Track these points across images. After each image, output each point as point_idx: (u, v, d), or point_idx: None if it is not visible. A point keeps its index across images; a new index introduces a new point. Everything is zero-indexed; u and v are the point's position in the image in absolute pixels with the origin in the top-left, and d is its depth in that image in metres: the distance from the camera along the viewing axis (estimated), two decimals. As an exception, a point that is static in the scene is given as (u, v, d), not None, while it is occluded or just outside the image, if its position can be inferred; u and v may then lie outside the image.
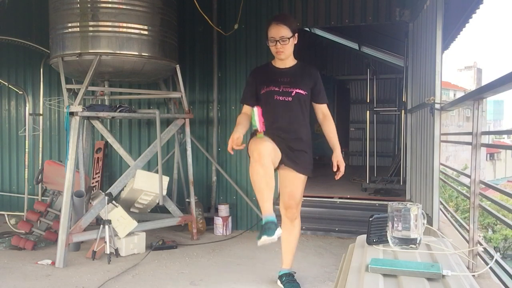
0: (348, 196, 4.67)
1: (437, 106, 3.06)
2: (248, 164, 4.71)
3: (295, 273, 3.00)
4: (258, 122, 2.55)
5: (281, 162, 2.81)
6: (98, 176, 5.03)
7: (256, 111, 2.56)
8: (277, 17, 2.82)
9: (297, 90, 2.77)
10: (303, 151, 2.82)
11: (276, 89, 2.77)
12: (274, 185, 2.58)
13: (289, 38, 2.73)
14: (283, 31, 2.72)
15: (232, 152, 2.57)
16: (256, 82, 2.87)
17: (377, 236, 1.66)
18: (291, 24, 2.75)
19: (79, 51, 3.69)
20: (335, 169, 2.80)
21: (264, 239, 2.41)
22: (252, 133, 2.74)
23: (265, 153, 2.53)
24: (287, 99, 2.76)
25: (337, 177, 2.81)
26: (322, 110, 2.90)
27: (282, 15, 2.85)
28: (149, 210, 4.31)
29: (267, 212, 2.51)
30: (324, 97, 2.90)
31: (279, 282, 2.99)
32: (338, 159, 2.81)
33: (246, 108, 2.89)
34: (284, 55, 2.78)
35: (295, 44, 2.81)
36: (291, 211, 2.90)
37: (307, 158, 2.84)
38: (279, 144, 2.74)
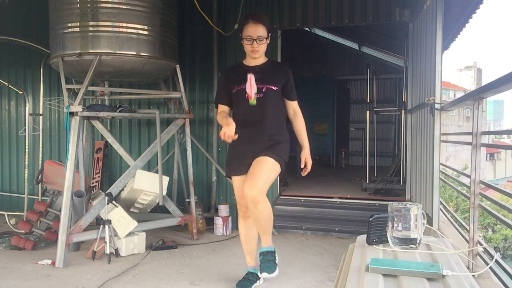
0: (348, 196, 4.67)
1: (437, 106, 3.06)
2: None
3: (274, 251, 2.88)
4: (250, 89, 2.67)
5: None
6: (98, 176, 5.03)
7: (249, 78, 2.67)
8: (255, 16, 2.81)
9: (268, 86, 2.79)
10: (277, 143, 2.82)
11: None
12: (256, 239, 2.99)
13: (265, 38, 2.76)
14: (260, 30, 2.74)
15: (229, 141, 2.66)
16: (227, 82, 2.89)
17: (377, 236, 1.66)
18: (267, 24, 2.79)
19: (79, 51, 3.69)
20: (302, 165, 2.84)
21: None
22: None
23: (246, 212, 2.87)
24: (258, 95, 2.77)
25: (304, 173, 2.86)
26: (293, 107, 2.94)
27: (259, 15, 2.85)
28: (149, 210, 4.31)
29: (249, 263, 3.03)
30: (295, 94, 2.93)
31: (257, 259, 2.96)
32: (306, 156, 2.86)
33: (222, 108, 2.93)
34: (259, 54, 2.81)
35: (268, 44, 2.83)
36: (248, 194, 2.65)
37: (282, 148, 2.83)
38: (252, 146, 2.78)
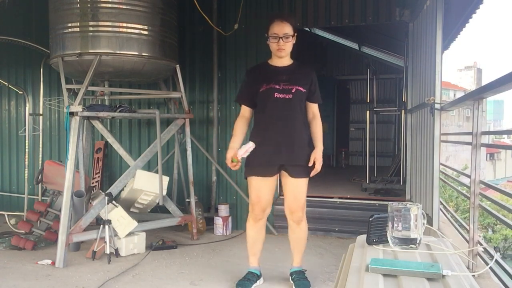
0: (348, 196, 4.67)
1: (437, 106, 3.06)
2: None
3: (306, 270, 3.02)
4: (241, 153, 2.71)
5: (281, 169, 2.85)
6: (98, 176, 5.03)
7: (248, 145, 2.71)
8: (281, 14, 2.86)
9: (297, 87, 2.77)
10: (303, 151, 2.81)
11: (277, 86, 2.77)
12: (263, 240, 3.02)
13: (291, 36, 2.75)
14: (286, 28, 2.73)
15: (234, 166, 2.74)
16: (254, 81, 2.86)
17: (377, 236, 1.66)
18: (293, 22, 2.78)
19: (79, 51, 3.69)
20: (311, 164, 2.80)
21: None
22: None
23: (262, 215, 2.90)
24: (287, 97, 2.76)
25: (312, 174, 2.84)
26: (313, 110, 2.92)
27: (285, 13, 2.90)
28: (149, 210, 4.31)
29: (252, 264, 3.03)
30: (319, 97, 2.92)
31: (290, 279, 3.02)
32: (316, 155, 2.80)
33: (244, 110, 2.92)
34: (285, 53, 2.79)
35: (294, 44, 2.82)
36: (297, 215, 2.90)
37: (307, 158, 2.82)
38: (278, 149, 2.77)
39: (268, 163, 2.80)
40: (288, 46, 2.77)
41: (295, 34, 2.78)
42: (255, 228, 2.96)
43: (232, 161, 2.72)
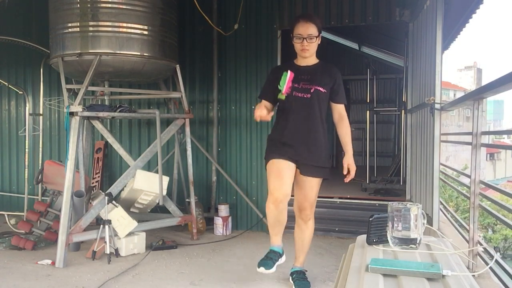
0: (348, 196, 4.67)
1: (437, 106, 3.06)
2: (249, 165, 4.74)
3: (307, 271, 3.02)
4: (285, 85, 2.66)
5: (296, 168, 2.84)
6: (98, 176, 5.03)
7: (288, 75, 2.65)
8: (306, 15, 2.85)
9: (316, 87, 2.77)
10: (319, 151, 2.81)
11: (296, 85, 2.76)
12: (285, 221, 2.84)
13: (316, 37, 2.75)
14: (311, 29, 2.73)
15: (259, 119, 2.71)
16: (276, 78, 2.83)
17: (377, 236, 1.66)
18: (318, 23, 2.78)
19: (79, 51, 3.69)
20: (345, 172, 2.81)
21: (262, 270, 2.74)
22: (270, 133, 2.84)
23: (282, 197, 2.72)
24: (305, 96, 2.76)
25: (347, 180, 2.83)
26: (339, 110, 2.91)
27: (310, 14, 2.91)
28: (149, 210, 4.31)
29: (274, 243, 2.88)
30: (343, 97, 2.91)
31: (290, 279, 3.02)
32: (349, 162, 2.82)
33: (264, 103, 2.91)
34: (309, 53, 2.79)
35: (318, 44, 2.82)
36: (305, 213, 2.92)
37: (324, 159, 2.83)
38: (294, 145, 2.77)
39: (284, 151, 2.78)
40: (312, 46, 2.77)
41: (320, 34, 2.79)
42: (275, 211, 2.78)
43: (279, 96, 2.72)
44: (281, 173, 2.74)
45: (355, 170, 2.83)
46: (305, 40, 2.72)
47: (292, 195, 2.88)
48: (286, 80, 2.65)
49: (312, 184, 2.86)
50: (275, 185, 2.73)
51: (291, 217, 3.02)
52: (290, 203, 2.90)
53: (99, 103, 4.46)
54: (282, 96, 2.70)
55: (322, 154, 2.82)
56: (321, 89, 2.78)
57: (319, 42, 2.81)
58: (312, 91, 2.76)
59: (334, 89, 2.85)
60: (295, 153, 2.78)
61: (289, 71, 2.66)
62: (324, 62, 2.92)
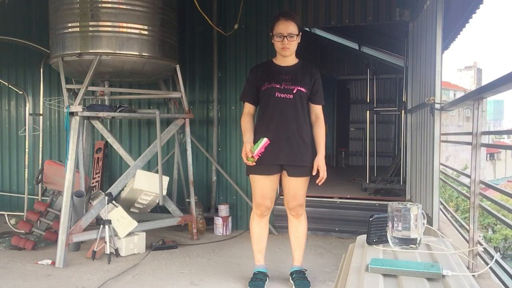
0: (348, 196, 4.67)
1: (437, 106, 3.06)
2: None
3: (306, 270, 3.02)
4: (258, 150, 2.67)
5: (282, 168, 2.85)
6: (98, 176, 5.03)
7: (264, 142, 2.67)
8: (286, 13, 2.84)
9: (299, 88, 2.77)
10: (304, 151, 2.81)
11: (278, 86, 2.77)
12: (267, 236, 3.03)
13: (296, 35, 2.75)
14: (291, 27, 2.73)
15: (251, 163, 2.72)
16: (257, 79, 2.86)
17: (377, 236, 1.66)
18: (298, 21, 2.78)
19: (79, 51, 3.69)
20: (314, 172, 2.79)
21: None
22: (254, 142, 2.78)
23: (265, 211, 2.92)
24: (288, 96, 2.76)
25: (319, 182, 2.80)
26: (316, 111, 2.89)
27: (290, 12, 2.89)
28: (149, 210, 4.31)
29: (259, 263, 3.00)
30: (321, 98, 2.90)
31: (290, 278, 3.01)
32: (319, 163, 2.78)
33: (248, 108, 2.92)
34: (290, 52, 2.79)
35: (298, 43, 2.82)
36: (295, 210, 2.93)
37: (308, 158, 2.82)
38: (278, 147, 2.76)
39: (269, 162, 2.79)
40: (292, 45, 2.76)
41: (300, 33, 2.78)
42: (260, 224, 2.96)
43: (247, 159, 2.70)
44: (264, 191, 2.87)
45: (325, 171, 2.79)
46: (285, 38, 2.72)
47: (281, 195, 2.91)
48: (260, 146, 2.66)
49: (299, 184, 2.86)
50: (259, 200, 2.89)
51: (284, 217, 3.04)
52: (281, 203, 2.93)
53: (99, 103, 4.46)
54: (251, 159, 2.69)
55: (307, 153, 2.81)
56: (303, 89, 2.78)
57: (299, 41, 2.81)
58: (294, 91, 2.76)
59: (314, 89, 2.84)
60: (279, 157, 2.77)
61: (265, 138, 2.68)
62: (303, 61, 2.92)
